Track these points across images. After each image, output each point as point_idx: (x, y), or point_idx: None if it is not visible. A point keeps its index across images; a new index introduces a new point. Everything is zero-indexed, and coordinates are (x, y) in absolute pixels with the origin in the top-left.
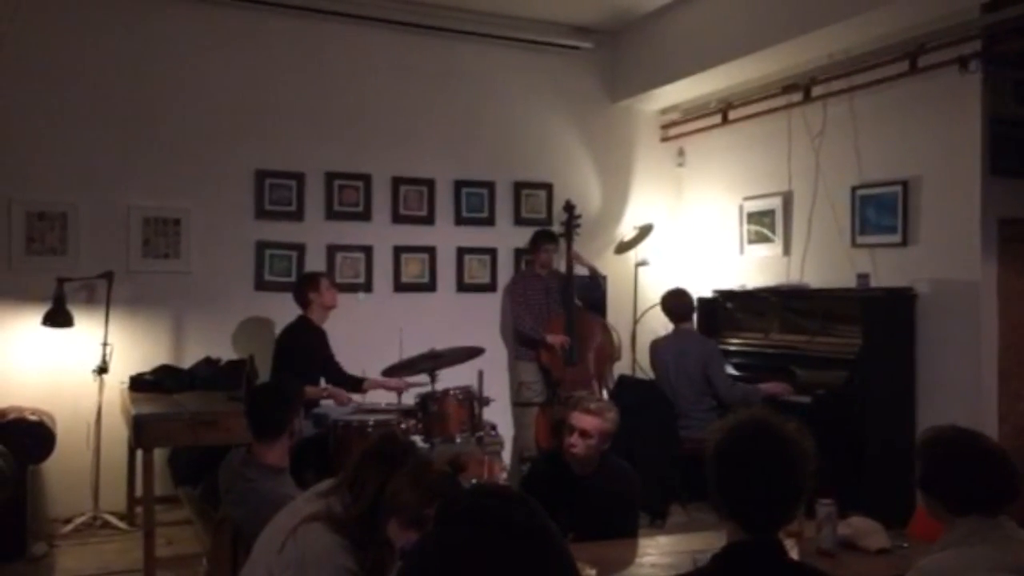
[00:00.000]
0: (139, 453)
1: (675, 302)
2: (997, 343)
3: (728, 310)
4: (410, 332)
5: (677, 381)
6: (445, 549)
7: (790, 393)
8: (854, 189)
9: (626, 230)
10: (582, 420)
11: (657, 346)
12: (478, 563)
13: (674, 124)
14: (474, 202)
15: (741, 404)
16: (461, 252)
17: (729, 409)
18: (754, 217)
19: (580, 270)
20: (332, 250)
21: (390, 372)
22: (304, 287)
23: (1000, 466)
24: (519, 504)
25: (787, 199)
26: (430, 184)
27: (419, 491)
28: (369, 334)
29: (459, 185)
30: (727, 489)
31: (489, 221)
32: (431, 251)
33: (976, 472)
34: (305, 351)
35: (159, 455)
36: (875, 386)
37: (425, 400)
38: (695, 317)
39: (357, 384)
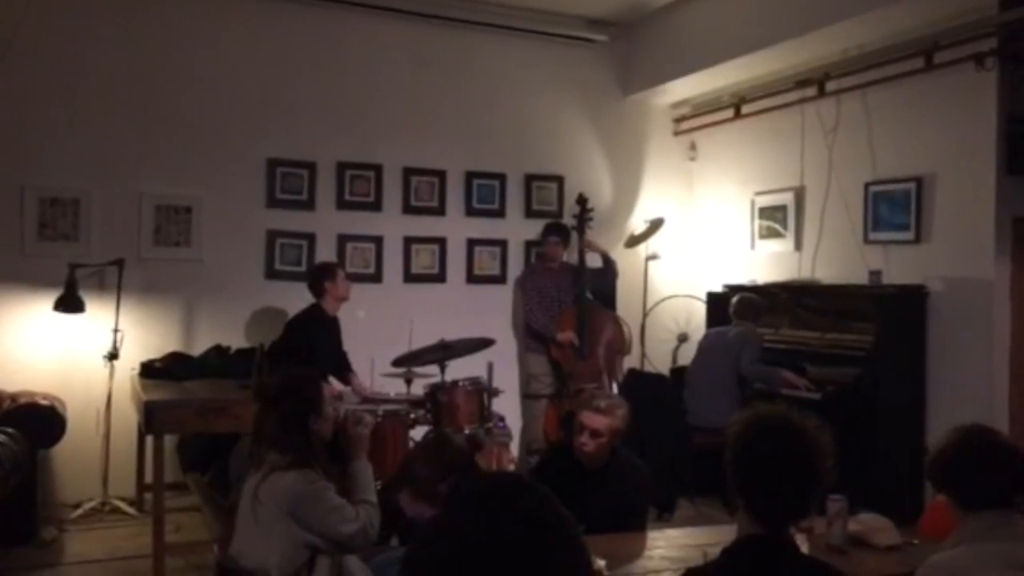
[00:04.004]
0: (149, 439)
1: (738, 302)
2: (1009, 342)
3: None
4: (420, 323)
5: (717, 358)
6: (454, 534)
7: (809, 388)
8: (867, 185)
9: (637, 224)
10: (593, 420)
11: (710, 332)
12: (487, 550)
13: (686, 118)
14: (485, 194)
15: (758, 379)
16: (471, 243)
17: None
18: (766, 212)
19: (593, 260)
20: (343, 240)
21: (399, 362)
22: (321, 276)
23: (1012, 462)
24: (533, 493)
25: (799, 194)
26: (441, 175)
27: (433, 466)
28: (379, 324)
29: (470, 176)
30: (744, 480)
31: (500, 213)
32: (441, 242)
33: (988, 468)
34: (315, 340)
35: (168, 442)
36: (886, 383)
37: (434, 391)
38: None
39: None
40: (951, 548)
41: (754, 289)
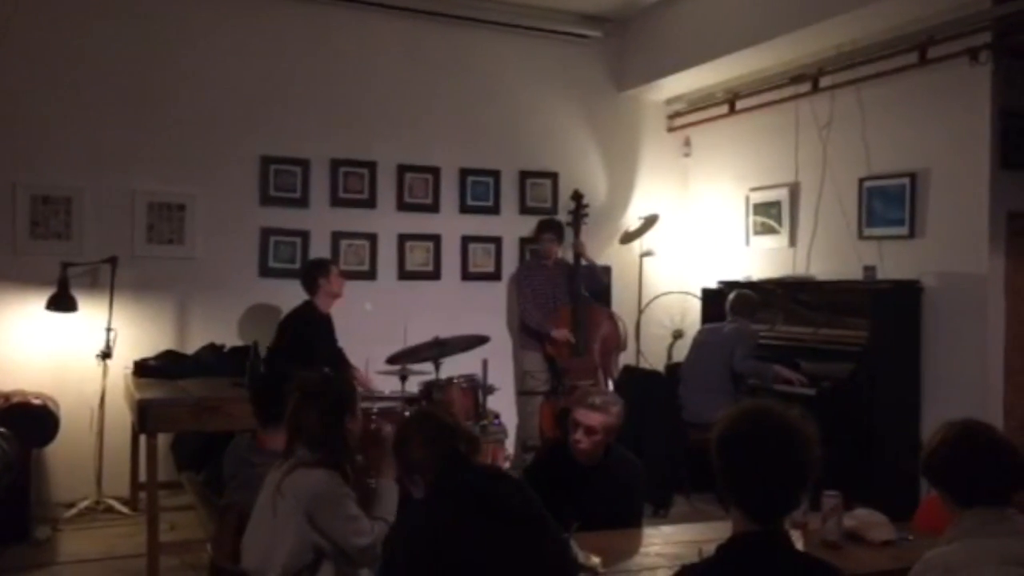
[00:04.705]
0: (142, 438)
1: (735, 298)
2: (1003, 337)
3: None
4: (415, 320)
5: (711, 354)
6: (433, 522)
7: (802, 383)
8: (861, 181)
9: (631, 220)
10: (588, 417)
11: (705, 327)
12: (462, 540)
13: (681, 114)
14: (479, 190)
15: (751, 375)
16: (466, 240)
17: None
18: (760, 208)
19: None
20: (337, 237)
21: (394, 360)
22: (314, 273)
23: (1006, 457)
24: (513, 490)
25: (794, 190)
26: (435, 172)
27: (426, 452)
28: (374, 322)
29: (465, 173)
30: (731, 476)
31: (494, 210)
32: (436, 239)
33: (982, 464)
34: (309, 337)
35: (162, 440)
36: (881, 379)
37: (429, 388)
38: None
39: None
40: (946, 544)
41: (749, 285)
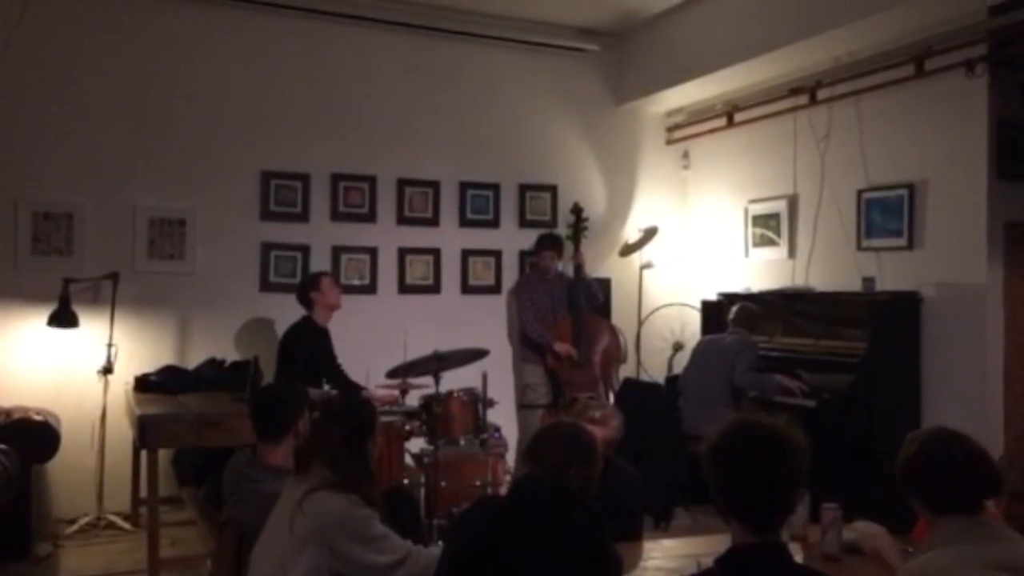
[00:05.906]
0: (143, 454)
1: (738, 311)
2: (1003, 347)
3: None
4: (414, 333)
5: (711, 365)
6: (489, 525)
7: (803, 390)
8: (860, 192)
9: (631, 232)
10: None
11: (705, 339)
12: (503, 538)
13: (679, 127)
14: (479, 204)
15: (751, 388)
16: (466, 254)
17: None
18: (759, 220)
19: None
20: (337, 251)
21: (394, 373)
22: (306, 287)
23: (979, 465)
24: (585, 511)
25: (792, 202)
26: (435, 186)
27: (560, 450)
28: (374, 335)
29: (464, 187)
30: (723, 487)
31: (494, 223)
32: (436, 253)
33: (958, 472)
34: (308, 352)
35: (163, 456)
36: (880, 390)
37: (429, 402)
38: (745, 326)
39: (356, 391)
40: (925, 553)
41: (748, 297)
